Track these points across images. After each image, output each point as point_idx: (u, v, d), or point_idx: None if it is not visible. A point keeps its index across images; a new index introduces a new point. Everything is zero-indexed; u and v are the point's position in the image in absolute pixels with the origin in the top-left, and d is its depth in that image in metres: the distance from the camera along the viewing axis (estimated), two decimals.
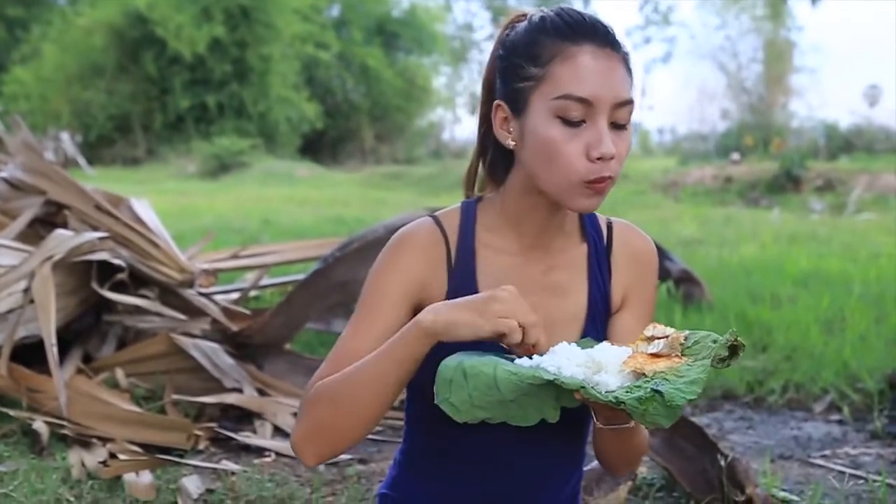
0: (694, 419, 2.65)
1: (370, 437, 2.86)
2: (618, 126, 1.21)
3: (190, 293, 3.47)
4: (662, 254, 4.33)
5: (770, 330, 4.03)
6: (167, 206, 9.50)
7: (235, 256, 4.58)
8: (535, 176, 1.24)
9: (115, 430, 2.64)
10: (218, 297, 3.72)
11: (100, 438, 2.62)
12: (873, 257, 6.42)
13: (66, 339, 3.20)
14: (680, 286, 4.57)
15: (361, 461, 2.68)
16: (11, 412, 2.76)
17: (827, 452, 2.81)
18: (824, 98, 39.74)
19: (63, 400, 2.66)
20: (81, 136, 22.52)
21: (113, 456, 2.49)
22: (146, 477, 2.39)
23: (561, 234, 1.33)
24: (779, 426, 3.11)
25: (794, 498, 2.39)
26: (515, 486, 1.32)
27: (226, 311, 3.47)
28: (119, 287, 3.28)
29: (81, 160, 18.82)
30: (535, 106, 1.21)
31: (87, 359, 3.23)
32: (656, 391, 1.04)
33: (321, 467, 2.60)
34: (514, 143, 1.26)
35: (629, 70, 1.24)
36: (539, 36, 1.22)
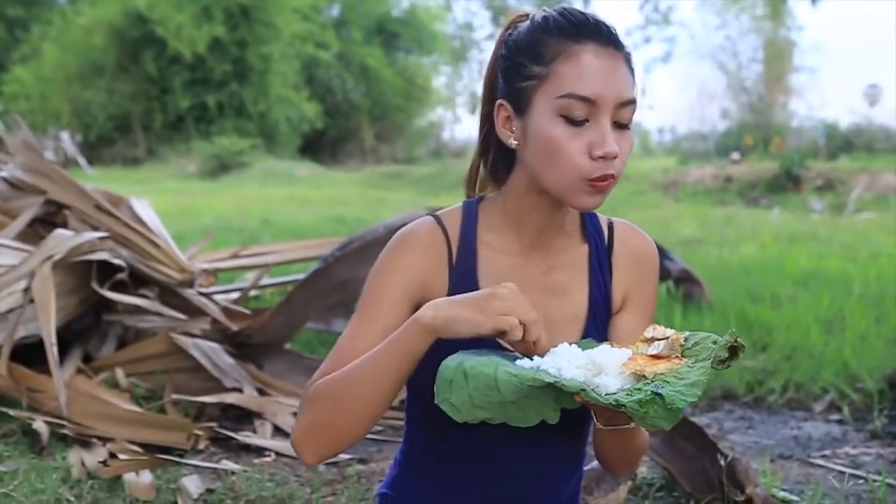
0: (694, 419, 2.65)
1: (370, 436, 2.86)
2: (620, 125, 1.22)
3: (190, 293, 3.47)
4: (662, 253, 4.32)
5: (770, 330, 4.03)
6: (167, 205, 9.50)
7: (235, 256, 4.59)
8: (538, 175, 1.24)
9: (115, 430, 2.64)
10: (218, 297, 3.73)
11: (100, 438, 2.62)
12: (873, 257, 6.42)
13: (66, 339, 3.20)
14: (680, 286, 4.57)
15: (361, 461, 2.68)
16: (11, 412, 2.76)
17: (827, 452, 2.81)
18: (824, 98, 39.74)
19: (63, 400, 2.67)
20: (81, 136, 22.51)
21: (113, 456, 2.49)
22: (146, 477, 2.39)
23: (562, 235, 1.33)
24: (779, 426, 3.11)
25: (794, 498, 2.39)
26: (515, 486, 1.32)
27: (226, 310, 3.47)
28: (119, 287, 3.28)
29: (81, 160, 18.82)
30: (539, 105, 1.21)
31: (87, 358, 3.23)
32: (656, 394, 1.04)
33: (321, 467, 2.60)
34: (516, 142, 1.26)
35: (631, 70, 1.24)
36: (542, 35, 1.22)
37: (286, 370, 3.25)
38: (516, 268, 1.30)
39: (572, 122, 1.20)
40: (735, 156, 15.98)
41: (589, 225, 1.36)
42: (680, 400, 1.04)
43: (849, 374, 3.45)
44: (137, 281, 3.38)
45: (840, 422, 3.13)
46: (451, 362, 1.12)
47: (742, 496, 2.17)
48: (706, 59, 30.34)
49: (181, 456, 2.60)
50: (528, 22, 1.27)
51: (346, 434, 1.21)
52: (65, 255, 3.05)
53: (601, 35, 1.21)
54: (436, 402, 1.12)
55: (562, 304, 1.31)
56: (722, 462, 2.24)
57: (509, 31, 1.29)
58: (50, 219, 3.53)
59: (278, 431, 2.85)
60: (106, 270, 3.27)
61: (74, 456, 2.52)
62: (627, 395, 1.06)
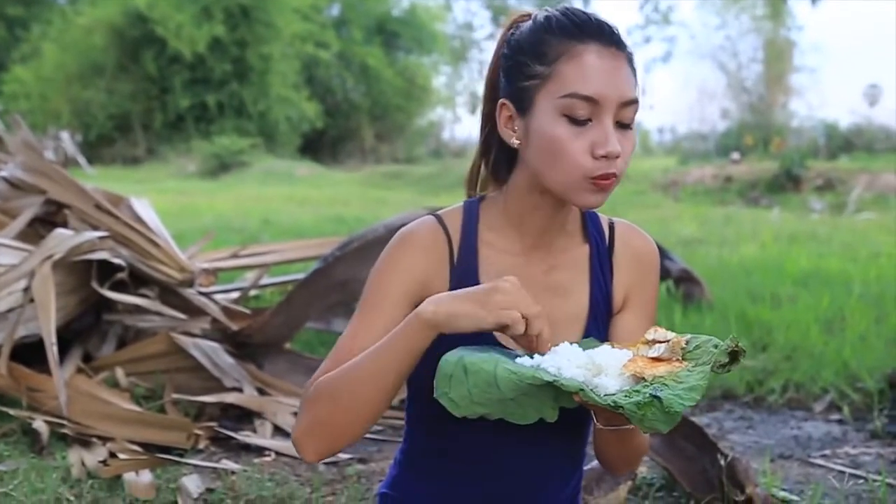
0: (694, 419, 2.65)
1: (370, 436, 2.86)
2: (623, 125, 1.22)
3: (190, 292, 3.47)
4: (662, 253, 4.32)
5: (770, 330, 4.03)
6: (167, 205, 9.50)
7: (235, 256, 4.58)
8: (540, 174, 1.24)
9: (115, 430, 2.64)
10: (218, 297, 3.72)
11: (100, 438, 2.62)
12: (873, 257, 6.42)
13: (66, 339, 3.20)
14: (680, 286, 4.57)
15: (361, 461, 2.68)
16: (11, 411, 2.76)
17: (827, 452, 2.81)
18: (824, 98, 39.76)
19: (63, 399, 2.67)
20: (81, 136, 22.51)
21: (113, 455, 2.49)
22: (146, 476, 2.39)
23: (563, 235, 1.33)
24: (779, 426, 3.11)
25: (794, 498, 2.39)
26: (515, 485, 1.32)
27: (226, 310, 3.47)
28: (119, 286, 3.28)
29: (81, 159, 18.82)
30: (541, 104, 1.21)
31: (87, 358, 3.23)
32: (655, 396, 1.04)
33: (321, 467, 2.60)
34: (518, 141, 1.26)
35: (633, 70, 1.24)
36: (545, 35, 1.23)
37: (286, 370, 3.25)
38: (517, 267, 1.30)
39: (575, 121, 1.20)
40: (735, 156, 15.98)
41: (590, 225, 1.36)
42: (678, 404, 1.04)
43: (849, 374, 3.45)
44: (137, 280, 3.38)
45: (840, 422, 3.13)
46: (452, 357, 1.13)
47: (742, 496, 2.17)
48: (706, 59, 30.36)
49: (181, 455, 2.60)
50: (530, 22, 1.27)
51: (347, 431, 1.21)
52: (65, 255, 3.05)
53: (604, 35, 1.21)
54: (435, 396, 1.12)
55: (563, 304, 1.31)
56: (722, 462, 2.24)
57: (511, 30, 1.29)
58: (50, 218, 3.53)
59: (278, 431, 2.85)
60: (106, 270, 3.27)
61: (74, 455, 2.52)
62: (626, 396, 1.06)
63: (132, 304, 3.30)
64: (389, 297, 1.26)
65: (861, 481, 2.52)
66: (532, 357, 1.15)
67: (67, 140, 19.20)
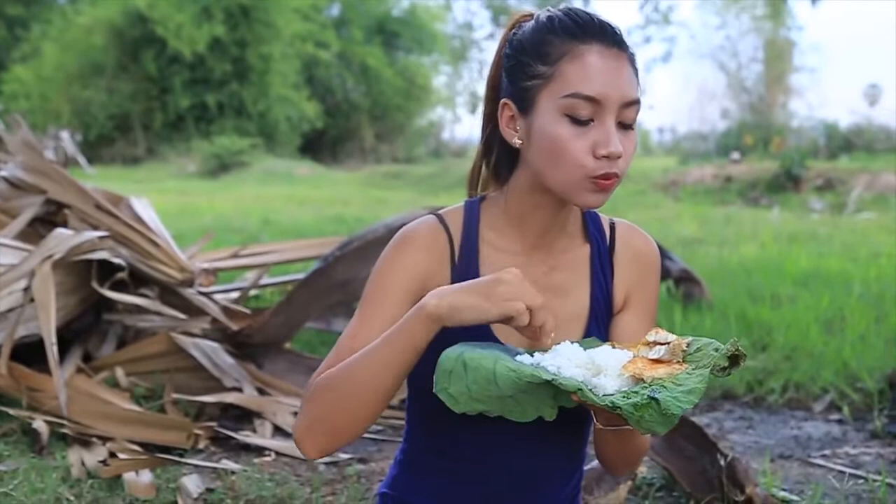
0: (694, 419, 2.65)
1: (370, 436, 2.86)
2: (624, 126, 1.22)
3: (190, 292, 3.47)
4: (662, 253, 4.32)
5: (770, 330, 4.03)
6: (167, 205, 9.50)
7: (235, 256, 4.58)
8: (542, 174, 1.24)
9: (114, 430, 2.64)
10: (218, 297, 3.72)
11: (100, 437, 2.62)
12: (873, 257, 6.42)
13: (66, 339, 3.20)
14: (680, 285, 4.57)
15: (361, 460, 2.68)
16: (11, 411, 2.76)
17: (827, 452, 2.81)
18: (824, 97, 39.80)
19: (63, 399, 2.67)
20: (81, 135, 22.51)
21: (113, 455, 2.49)
22: (146, 476, 2.39)
23: (564, 235, 1.33)
24: (779, 426, 3.11)
25: (794, 498, 2.39)
26: (516, 485, 1.32)
27: (226, 310, 3.47)
28: (119, 286, 3.28)
29: (81, 159, 18.83)
30: (543, 104, 1.22)
31: (86, 358, 3.23)
32: (653, 398, 1.04)
33: (321, 467, 2.60)
34: (520, 141, 1.26)
35: (635, 70, 1.24)
36: (547, 35, 1.23)
37: (286, 370, 3.25)
38: (518, 267, 1.30)
39: (577, 121, 1.20)
40: (735, 156, 15.99)
41: (591, 225, 1.36)
42: (675, 406, 1.04)
43: (849, 374, 3.45)
44: (137, 280, 3.38)
45: (840, 422, 3.13)
46: (452, 353, 1.13)
47: (742, 496, 2.17)
48: (706, 59, 30.40)
49: (181, 455, 2.60)
50: (532, 22, 1.27)
51: (348, 427, 1.20)
52: (65, 255, 3.04)
53: (606, 35, 1.22)
54: (434, 391, 1.12)
55: (563, 305, 1.31)
56: (722, 462, 2.24)
57: (514, 30, 1.29)
58: (50, 218, 3.53)
59: (278, 431, 2.85)
60: (106, 270, 3.27)
61: (74, 455, 2.52)
62: (624, 397, 1.06)
63: (132, 304, 3.30)
64: (390, 296, 1.26)
65: (861, 481, 2.52)
66: (532, 355, 1.15)
67: (67, 140, 19.20)
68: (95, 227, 3.35)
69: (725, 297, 4.67)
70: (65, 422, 2.67)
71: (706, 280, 4.70)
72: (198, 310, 3.41)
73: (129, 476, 2.37)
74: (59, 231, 3.19)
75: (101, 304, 3.36)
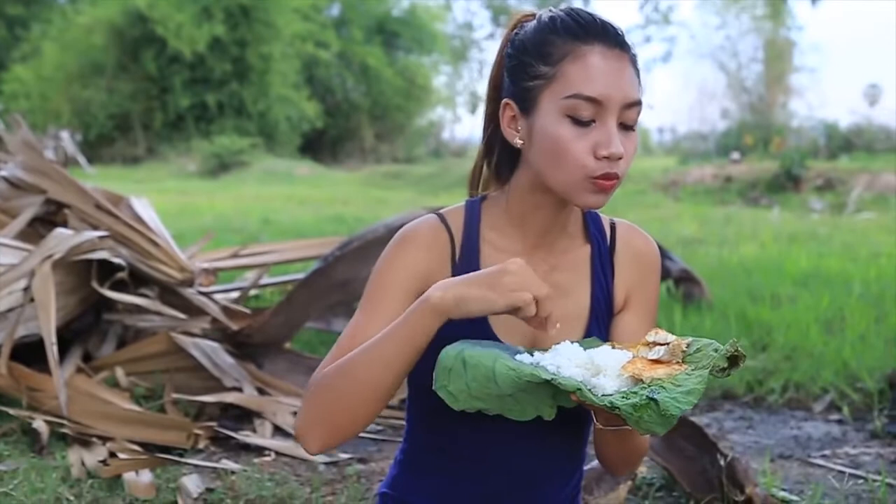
0: (694, 419, 2.65)
1: (370, 436, 2.86)
2: (626, 127, 1.22)
3: (190, 292, 3.47)
4: (662, 253, 4.32)
5: (770, 330, 4.03)
6: (167, 205, 9.50)
7: (235, 255, 4.58)
8: (543, 174, 1.24)
9: (114, 429, 2.64)
10: (218, 296, 3.72)
11: (100, 437, 2.62)
12: (873, 257, 6.42)
13: (66, 338, 3.20)
14: (680, 285, 4.57)
15: (361, 460, 2.68)
16: (11, 411, 2.76)
17: (827, 452, 2.81)
18: (824, 97, 39.81)
19: (63, 399, 2.67)
20: (81, 135, 22.51)
21: (113, 455, 2.49)
22: (146, 476, 2.39)
23: (565, 236, 1.33)
24: (779, 426, 3.11)
25: (794, 498, 2.39)
26: (516, 484, 1.32)
27: (226, 310, 3.47)
28: (119, 286, 3.28)
29: (81, 159, 18.82)
30: (545, 105, 1.21)
31: (86, 358, 3.23)
32: (651, 399, 1.04)
33: (321, 467, 2.60)
34: (521, 141, 1.26)
35: (637, 71, 1.24)
36: (549, 35, 1.23)
37: (286, 370, 3.25)
38: None
39: (578, 122, 1.20)
40: (735, 156, 15.99)
41: (591, 225, 1.36)
42: (674, 406, 1.04)
43: (849, 374, 3.45)
44: (137, 280, 3.38)
45: (840, 422, 3.13)
46: (452, 350, 1.13)
47: (742, 496, 2.17)
48: (706, 59, 30.38)
49: (181, 455, 2.60)
50: (534, 22, 1.27)
51: (349, 422, 1.20)
52: (65, 255, 3.04)
53: (608, 36, 1.22)
54: (434, 388, 1.12)
55: (564, 305, 1.31)
56: (722, 462, 2.24)
57: (516, 30, 1.29)
58: (50, 218, 3.53)
59: (278, 431, 2.85)
60: (106, 269, 3.27)
61: (74, 455, 2.52)
62: (623, 397, 1.06)
63: (132, 303, 3.30)
64: (392, 293, 1.26)
65: (861, 481, 2.52)
66: (532, 354, 1.15)
67: (67, 139, 19.19)
68: (95, 227, 3.35)
69: (725, 297, 4.67)
70: (65, 422, 2.67)
71: (706, 280, 4.70)
72: (198, 310, 3.41)
73: (129, 476, 2.37)
74: (59, 231, 3.19)
75: (101, 303, 3.36)
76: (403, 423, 1.43)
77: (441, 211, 1.34)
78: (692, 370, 1.10)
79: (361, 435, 2.84)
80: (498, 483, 1.32)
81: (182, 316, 3.37)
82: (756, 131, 18.89)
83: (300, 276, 3.97)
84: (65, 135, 19.48)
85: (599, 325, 1.33)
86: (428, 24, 28.99)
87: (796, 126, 21.14)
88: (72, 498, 2.28)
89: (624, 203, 11.45)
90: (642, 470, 2.46)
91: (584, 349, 1.15)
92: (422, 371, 1.21)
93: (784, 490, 2.43)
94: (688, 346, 1.14)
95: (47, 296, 2.86)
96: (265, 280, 4.30)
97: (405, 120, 28.38)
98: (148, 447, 2.59)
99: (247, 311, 3.56)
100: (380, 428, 2.94)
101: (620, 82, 1.20)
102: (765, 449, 2.80)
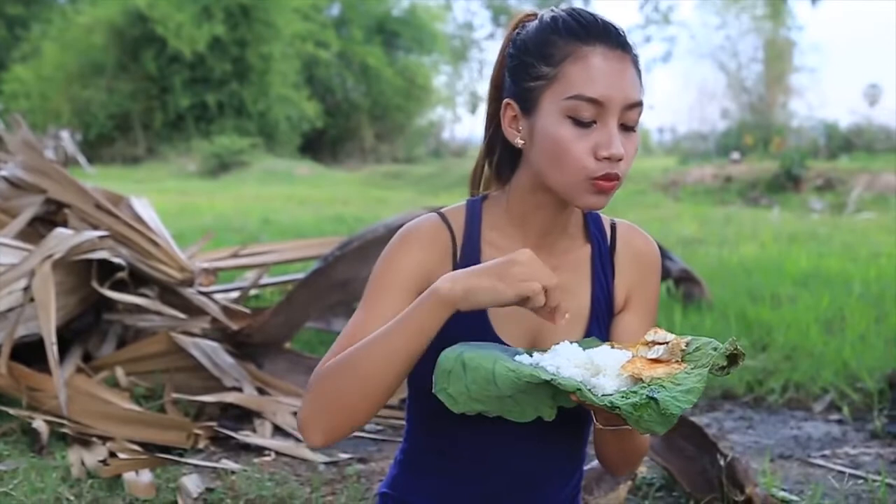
0: (694, 419, 2.65)
1: (370, 436, 2.86)
2: (627, 128, 1.22)
3: (190, 292, 3.47)
4: (662, 253, 4.30)
5: (770, 330, 4.03)
6: (167, 204, 9.50)
7: (235, 255, 4.58)
8: (543, 174, 1.24)
9: (114, 429, 2.64)
10: (218, 296, 3.72)
11: (99, 437, 2.62)
12: (873, 257, 6.42)
13: (66, 338, 3.20)
14: (680, 285, 4.57)
15: (361, 460, 2.68)
16: (11, 411, 2.76)
17: (827, 452, 2.81)
18: (824, 97, 39.81)
19: (63, 399, 2.66)
20: (81, 135, 22.50)
21: (113, 455, 2.49)
22: (146, 476, 2.39)
23: (565, 236, 1.33)
24: (779, 426, 3.11)
25: (794, 498, 2.39)
26: (516, 485, 1.32)
27: (226, 309, 3.47)
28: (119, 286, 3.28)
29: (81, 159, 18.82)
30: (546, 105, 1.21)
31: (86, 357, 3.23)
32: (651, 398, 1.04)
33: (321, 467, 2.60)
34: (522, 141, 1.26)
35: (639, 72, 1.24)
36: (551, 35, 1.23)
37: (286, 370, 3.25)
38: None
39: (579, 123, 1.20)
40: (735, 156, 15.99)
41: (592, 225, 1.36)
42: (674, 406, 1.04)
43: (849, 374, 3.45)
44: (137, 280, 3.38)
45: (840, 422, 3.13)
46: (451, 353, 1.12)
47: (742, 496, 2.17)
48: (706, 59, 30.38)
49: (181, 455, 2.60)
50: (536, 22, 1.27)
51: (353, 413, 1.19)
52: (65, 254, 3.04)
53: (610, 37, 1.21)
54: (433, 391, 1.12)
55: (564, 305, 1.31)
56: (722, 462, 2.24)
57: (517, 30, 1.29)
58: (50, 217, 3.53)
59: (278, 431, 2.85)
60: (106, 269, 3.27)
61: (74, 455, 2.52)
62: (623, 397, 1.06)
63: (132, 303, 3.30)
64: (392, 291, 1.26)
65: (861, 481, 2.52)
66: (531, 355, 1.15)
67: (67, 139, 19.19)
68: (95, 227, 3.35)
69: (725, 297, 4.67)
70: (65, 421, 2.67)
71: (706, 280, 4.70)
72: (198, 309, 3.41)
73: (128, 476, 2.37)
74: (59, 231, 3.19)
75: (101, 303, 3.36)
76: (403, 423, 1.43)
77: (442, 210, 1.34)
78: (691, 369, 1.10)
79: (361, 435, 2.84)
80: (498, 483, 1.32)
81: (182, 316, 3.37)
82: (756, 131, 18.90)
83: (300, 276, 3.97)
84: (65, 135, 19.48)
85: (600, 325, 1.33)
86: (428, 24, 28.98)
87: (796, 126, 21.15)
88: (72, 498, 2.28)
89: (624, 203, 11.45)
90: (642, 470, 2.46)
91: (584, 349, 1.15)
92: (421, 373, 1.21)
93: (784, 490, 2.43)
94: (687, 344, 1.14)
95: (47, 295, 2.86)
96: (265, 280, 4.30)
97: (405, 120, 28.38)
98: (148, 447, 2.59)
99: (247, 310, 3.56)
100: (380, 428, 2.94)
101: (622, 83, 1.20)
102: (765, 449, 2.80)
